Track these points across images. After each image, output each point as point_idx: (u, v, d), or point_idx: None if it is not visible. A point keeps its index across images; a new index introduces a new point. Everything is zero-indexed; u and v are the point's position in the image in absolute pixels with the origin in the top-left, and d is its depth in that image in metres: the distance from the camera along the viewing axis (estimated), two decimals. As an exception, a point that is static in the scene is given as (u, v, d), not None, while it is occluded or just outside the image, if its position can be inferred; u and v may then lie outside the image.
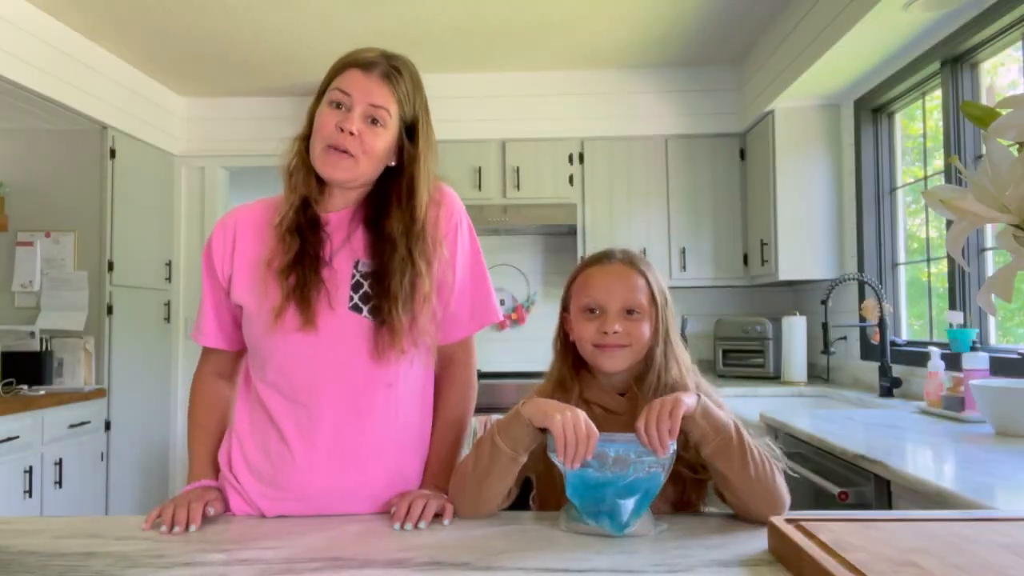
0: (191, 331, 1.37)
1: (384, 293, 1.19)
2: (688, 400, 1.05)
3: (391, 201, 1.24)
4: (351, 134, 1.16)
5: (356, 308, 1.20)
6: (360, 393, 1.21)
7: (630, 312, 1.18)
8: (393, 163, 1.24)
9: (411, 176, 1.23)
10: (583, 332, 1.19)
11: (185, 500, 1.15)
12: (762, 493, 1.05)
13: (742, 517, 1.08)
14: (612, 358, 1.17)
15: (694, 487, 1.18)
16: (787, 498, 1.07)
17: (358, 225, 1.25)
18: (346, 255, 1.23)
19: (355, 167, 1.18)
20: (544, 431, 1.06)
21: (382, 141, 1.20)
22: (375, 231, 1.23)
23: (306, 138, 1.23)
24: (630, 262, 1.21)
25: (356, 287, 1.21)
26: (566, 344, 1.26)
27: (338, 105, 1.18)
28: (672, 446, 1.03)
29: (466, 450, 1.23)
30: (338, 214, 1.25)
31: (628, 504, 1.02)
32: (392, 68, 1.20)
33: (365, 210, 1.26)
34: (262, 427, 1.23)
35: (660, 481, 1.04)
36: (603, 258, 1.23)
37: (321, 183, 1.24)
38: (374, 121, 1.18)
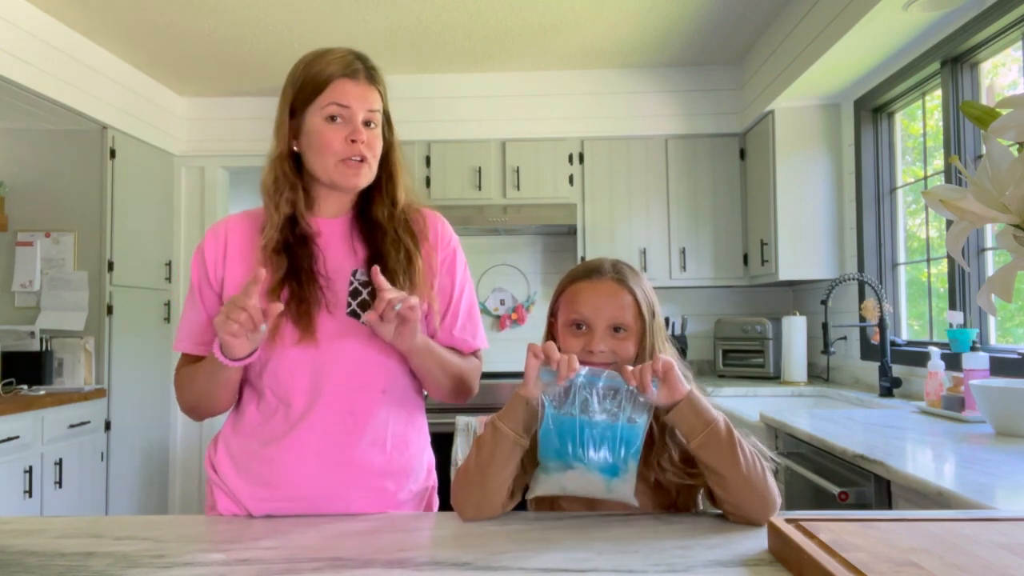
0: (175, 343, 1.29)
1: (383, 272, 1.20)
2: (679, 368, 1.08)
3: (374, 191, 1.30)
4: (362, 143, 1.22)
5: (354, 314, 1.20)
6: (355, 397, 1.22)
7: (616, 330, 1.18)
8: None
9: (392, 162, 1.31)
10: (568, 347, 1.19)
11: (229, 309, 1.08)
12: (754, 490, 1.05)
13: (734, 518, 1.08)
14: None
15: (684, 492, 1.19)
16: (779, 498, 1.08)
17: (357, 238, 1.28)
18: (344, 264, 1.25)
19: (370, 171, 1.26)
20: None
21: (380, 140, 1.28)
22: (367, 224, 1.28)
23: (289, 155, 1.25)
24: (619, 279, 1.20)
25: (354, 294, 1.22)
26: None
27: (334, 118, 1.22)
28: (652, 389, 1.05)
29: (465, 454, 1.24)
30: (330, 221, 1.29)
31: (602, 448, 1.06)
32: (369, 69, 1.26)
33: (361, 222, 1.30)
34: (249, 429, 1.23)
35: (638, 435, 1.07)
36: (592, 272, 1.22)
37: (308, 193, 1.27)
38: (368, 123, 1.25)
